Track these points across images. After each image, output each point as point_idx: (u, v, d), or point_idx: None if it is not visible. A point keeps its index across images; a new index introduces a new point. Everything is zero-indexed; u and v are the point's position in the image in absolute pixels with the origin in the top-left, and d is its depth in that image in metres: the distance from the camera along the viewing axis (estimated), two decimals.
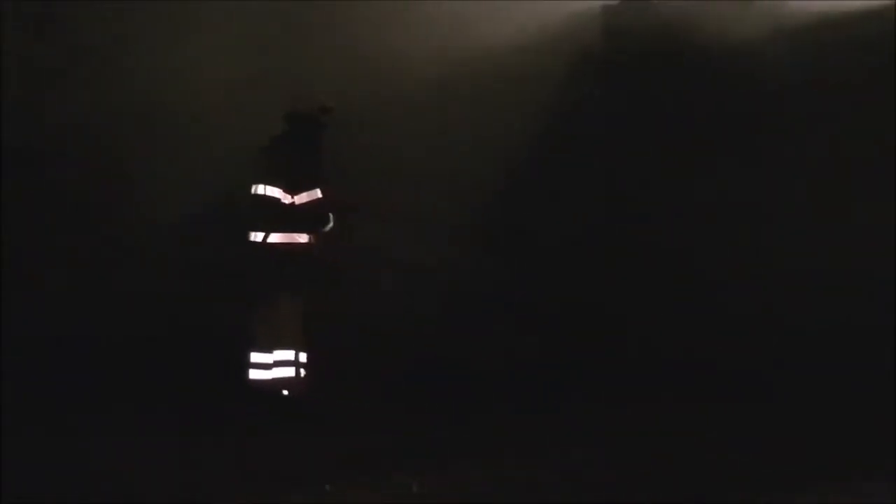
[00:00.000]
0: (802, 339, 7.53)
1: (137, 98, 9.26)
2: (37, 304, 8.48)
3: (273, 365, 6.77)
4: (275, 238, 6.71)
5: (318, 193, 6.77)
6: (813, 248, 7.77)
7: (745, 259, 8.09)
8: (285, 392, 6.81)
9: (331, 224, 6.87)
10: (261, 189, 6.72)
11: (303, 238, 6.74)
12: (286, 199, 6.68)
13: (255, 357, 6.73)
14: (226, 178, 8.19)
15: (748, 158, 8.31)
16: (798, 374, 7.33)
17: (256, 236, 6.74)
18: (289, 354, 6.75)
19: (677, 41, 8.62)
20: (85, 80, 9.13)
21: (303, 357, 6.81)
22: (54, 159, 9.07)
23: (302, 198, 6.73)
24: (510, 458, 6.02)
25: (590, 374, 7.58)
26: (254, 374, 6.75)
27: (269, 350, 6.72)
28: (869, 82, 8.00)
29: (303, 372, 6.84)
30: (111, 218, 8.99)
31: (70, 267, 8.81)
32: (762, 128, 8.44)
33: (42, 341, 8.03)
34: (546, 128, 8.98)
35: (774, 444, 6.19)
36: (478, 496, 5.44)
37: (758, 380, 7.32)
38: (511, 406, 7.08)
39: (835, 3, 8.48)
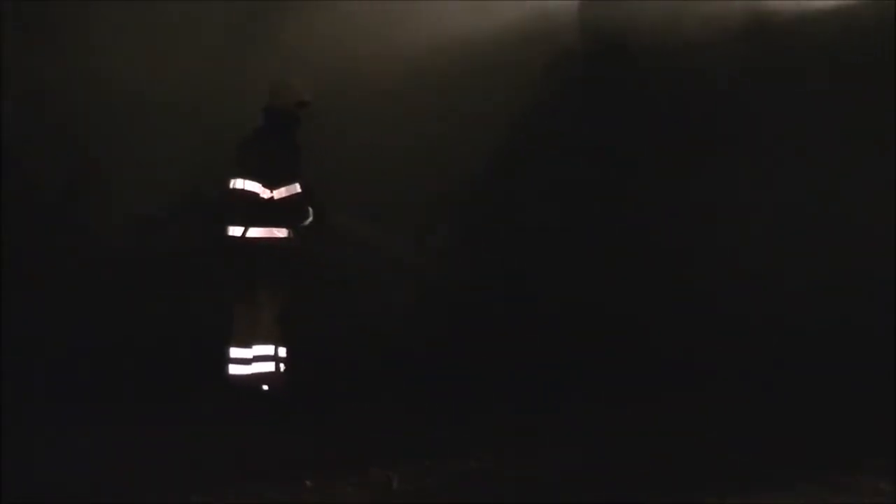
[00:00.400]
0: (801, 339, 7.55)
1: (113, 91, 9.02)
2: (30, 304, 8.34)
3: (252, 360, 6.78)
4: (254, 232, 6.71)
5: (297, 188, 6.76)
6: (812, 248, 7.79)
7: (744, 258, 8.08)
8: (265, 387, 6.80)
9: (310, 218, 6.87)
10: (239, 183, 6.72)
11: (282, 232, 6.74)
12: (265, 193, 6.68)
13: (235, 352, 6.75)
14: (202, 171, 8.21)
15: (728, 155, 8.29)
16: (797, 374, 7.35)
17: (235, 230, 6.73)
18: (268, 350, 6.75)
19: (653, 37, 8.62)
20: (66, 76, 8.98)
21: (282, 352, 6.80)
22: (40, 157, 8.98)
23: (281, 192, 6.71)
24: (507, 457, 6.03)
25: (589, 374, 7.57)
26: (233, 370, 6.75)
27: (248, 345, 6.72)
28: (859, 77, 7.99)
29: (282, 367, 6.81)
30: (86, 212, 8.95)
31: (53, 265, 8.66)
32: (743, 125, 8.44)
33: (36, 340, 7.95)
34: (523, 122, 9.01)
35: (773, 444, 6.20)
36: (475, 494, 5.44)
37: (756, 379, 7.34)
38: (509, 405, 7.07)
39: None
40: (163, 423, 6.58)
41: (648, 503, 5.26)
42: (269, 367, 6.78)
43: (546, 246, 8.78)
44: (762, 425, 6.57)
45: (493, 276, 8.73)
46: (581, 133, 8.99)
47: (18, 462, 5.56)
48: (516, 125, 9.16)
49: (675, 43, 8.62)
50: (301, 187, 6.81)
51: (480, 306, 8.53)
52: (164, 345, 7.91)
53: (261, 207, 6.69)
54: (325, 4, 9.36)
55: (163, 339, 7.97)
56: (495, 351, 7.94)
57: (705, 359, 7.50)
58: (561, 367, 7.75)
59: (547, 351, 7.92)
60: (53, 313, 8.23)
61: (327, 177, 7.63)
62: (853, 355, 7.32)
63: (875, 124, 7.94)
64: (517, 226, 8.98)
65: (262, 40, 9.32)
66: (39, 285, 8.54)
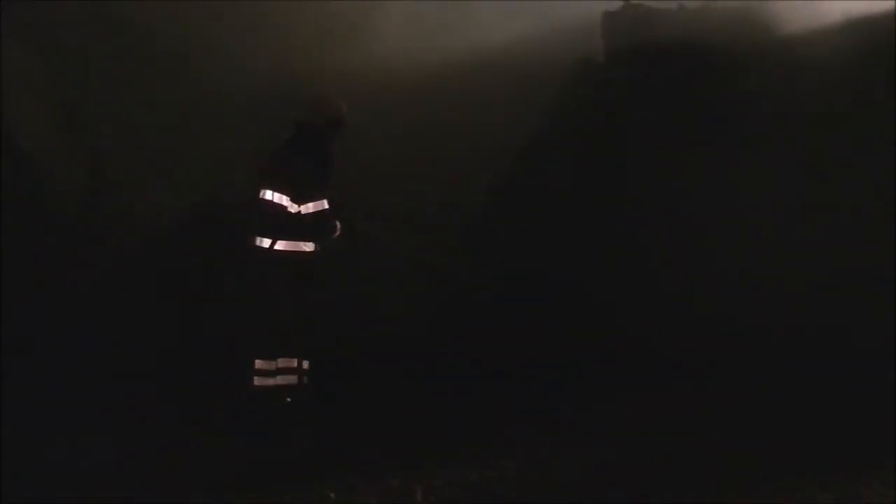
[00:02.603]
0: (797, 339, 7.54)
1: (135, 98, 9.26)
2: (37, 305, 8.33)
3: (277, 372, 6.76)
4: (281, 245, 6.66)
5: (324, 204, 6.73)
6: (809, 249, 7.78)
7: (743, 259, 8.04)
8: (288, 399, 6.79)
9: (337, 233, 6.86)
10: (269, 195, 6.67)
11: (308, 247, 6.70)
12: (293, 208, 6.64)
13: (259, 364, 6.71)
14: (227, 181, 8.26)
15: (745, 159, 8.24)
16: (794, 374, 7.32)
17: (263, 241, 6.68)
18: (292, 362, 6.74)
19: (675, 44, 8.67)
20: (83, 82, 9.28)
21: (305, 365, 6.78)
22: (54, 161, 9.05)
23: (308, 208, 6.67)
24: (509, 457, 6.10)
25: (589, 373, 7.54)
26: (258, 381, 6.71)
27: (272, 358, 6.70)
28: (864, 85, 8.03)
29: (305, 379, 6.81)
30: (111, 220, 8.96)
31: (72, 268, 8.69)
32: (759, 128, 8.42)
33: (42, 341, 7.90)
34: (549, 126, 9.06)
35: (771, 444, 6.23)
36: (478, 496, 5.60)
37: (753, 379, 7.31)
38: (510, 404, 7.09)
39: (832, 6, 8.48)
40: (185, 429, 6.63)
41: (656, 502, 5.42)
42: (292, 379, 6.75)
43: (565, 246, 8.75)
44: (759, 425, 6.58)
45: (513, 278, 8.68)
46: (597, 133, 8.98)
47: (18, 462, 5.63)
48: (535, 125, 9.25)
49: (680, 50, 8.69)
50: (329, 203, 6.76)
51: (498, 308, 8.47)
52: (181, 352, 7.91)
53: (288, 221, 6.64)
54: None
55: (182, 346, 7.96)
56: (513, 353, 7.88)
57: (708, 359, 7.48)
58: (560, 366, 7.70)
59: (561, 352, 7.87)
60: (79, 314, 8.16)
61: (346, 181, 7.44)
62: (849, 356, 7.31)
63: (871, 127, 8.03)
64: (537, 225, 8.92)
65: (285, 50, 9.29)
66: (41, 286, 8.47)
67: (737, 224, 8.13)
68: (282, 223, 6.64)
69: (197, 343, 7.95)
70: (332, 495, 5.60)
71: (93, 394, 7.07)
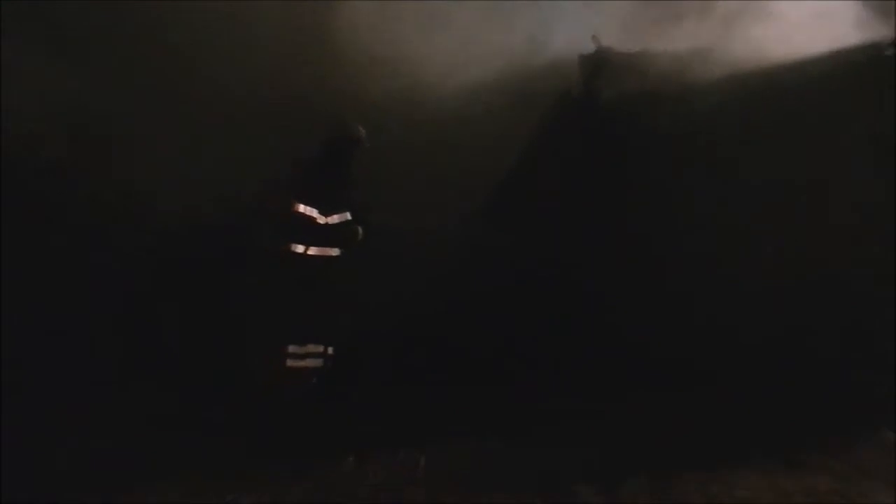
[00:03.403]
0: (774, 337, 7.55)
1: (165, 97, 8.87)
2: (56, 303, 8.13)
3: (305, 356, 7.09)
4: (312, 251, 6.99)
5: (347, 216, 7.06)
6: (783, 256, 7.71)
7: (726, 270, 7.89)
8: (314, 379, 7.05)
9: (360, 238, 7.13)
10: (301, 208, 6.94)
11: (334, 252, 7.05)
12: (321, 219, 6.96)
13: (292, 349, 7.00)
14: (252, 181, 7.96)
15: (708, 182, 8.21)
16: (766, 368, 7.38)
17: (298, 248, 6.99)
18: (319, 348, 7.09)
19: (642, 84, 8.87)
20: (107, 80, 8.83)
21: (330, 350, 7.12)
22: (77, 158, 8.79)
23: (333, 219, 7.03)
24: (509, 436, 6.47)
25: (583, 367, 7.61)
26: (290, 363, 7.01)
27: (302, 344, 7.03)
28: (818, 122, 7.93)
29: (330, 363, 7.11)
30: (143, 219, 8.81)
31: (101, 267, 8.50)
32: (715, 159, 8.33)
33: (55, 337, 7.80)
34: (537, 145, 9.34)
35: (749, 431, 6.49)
36: (475, 464, 5.99)
37: (734, 375, 7.35)
38: (507, 389, 7.32)
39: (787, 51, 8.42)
40: (219, 407, 6.83)
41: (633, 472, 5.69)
42: (318, 362, 7.10)
43: (550, 247, 8.86)
44: (734, 415, 6.78)
45: (517, 266, 8.74)
46: (577, 151, 9.16)
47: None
48: (518, 153, 9.49)
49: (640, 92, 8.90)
50: (352, 214, 7.08)
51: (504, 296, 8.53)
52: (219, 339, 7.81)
53: (317, 230, 6.98)
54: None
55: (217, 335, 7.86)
56: (520, 339, 8.09)
57: (698, 358, 7.48)
58: (556, 358, 7.82)
59: (543, 344, 8.03)
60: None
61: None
62: (821, 352, 7.35)
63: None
64: (527, 229, 9.07)
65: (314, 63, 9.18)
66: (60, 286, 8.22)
67: (712, 239, 8.03)
68: (311, 232, 6.98)
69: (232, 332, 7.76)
70: (351, 459, 6.08)
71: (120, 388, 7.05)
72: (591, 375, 7.47)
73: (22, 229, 8.43)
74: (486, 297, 8.48)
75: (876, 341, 7.30)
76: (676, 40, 9.15)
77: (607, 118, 8.97)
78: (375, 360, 7.83)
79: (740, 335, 7.47)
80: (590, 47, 9.47)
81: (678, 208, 8.20)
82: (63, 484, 5.35)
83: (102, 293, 8.27)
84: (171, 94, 8.90)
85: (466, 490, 5.62)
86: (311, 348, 7.13)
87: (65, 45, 8.96)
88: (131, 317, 8.25)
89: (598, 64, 9.40)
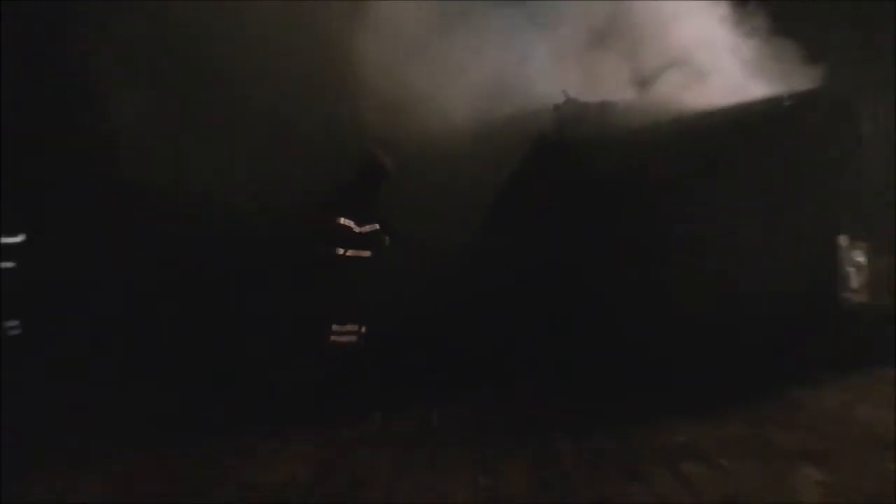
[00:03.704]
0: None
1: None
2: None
3: (345, 333, 7.10)
4: (350, 253, 7.03)
5: (377, 226, 7.14)
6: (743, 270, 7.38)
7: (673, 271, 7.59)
8: (351, 350, 6.97)
9: (385, 243, 7.17)
10: (342, 220, 7.01)
11: (366, 253, 7.12)
12: (356, 228, 7.04)
13: (335, 328, 7.04)
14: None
15: (652, 204, 7.97)
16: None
17: (339, 251, 7.00)
18: (355, 328, 7.13)
19: (601, 128, 8.64)
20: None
21: (363, 329, 7.14)
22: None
23: (365, 229, 7.11)
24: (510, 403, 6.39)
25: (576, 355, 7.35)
26: (334, 338, 7.02)
27: (343, 325, 7.07)
28: (730, 158, 7.75)
29: (363, 339, 7.11)
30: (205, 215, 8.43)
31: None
32: (656, 185, 7.97)
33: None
34: (518, 180, 9.06)
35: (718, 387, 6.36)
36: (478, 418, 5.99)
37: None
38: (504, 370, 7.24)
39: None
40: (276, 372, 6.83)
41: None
42: (354, 338, 7.09)
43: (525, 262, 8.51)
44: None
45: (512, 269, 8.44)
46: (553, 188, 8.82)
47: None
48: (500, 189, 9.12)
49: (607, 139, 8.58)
50: (380, 225, 7.13)
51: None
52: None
53: (354, 238, 7.06)
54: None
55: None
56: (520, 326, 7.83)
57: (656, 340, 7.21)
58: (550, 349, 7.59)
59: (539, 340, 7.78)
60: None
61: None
62: (780, 331, 7.18)
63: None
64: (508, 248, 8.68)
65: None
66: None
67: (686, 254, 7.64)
68: (350, 238, 7.05)
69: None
70: (378, 415, 6.17)
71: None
72: (567, 351, 7.37)
73: (97, 230, 8.18)
74: (480, 292, 8.38)
75: (774, 332, 7.24)
76: (627, 93, 9.10)
77: (575, 154, 8.81)
78: (396, 336, 7.72)
79: (691, 321, 7.30)
80: (560, 98, 9.44)
81: (632, 225, 8.07)
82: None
83: (174, 288, 8.12)
84: (232, 123, 8.63)
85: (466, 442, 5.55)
86: (349, 327, 7.14)
87: (142, 73, 8.59)
88: (209, 304, 8.07)
89: (567, 112, 9.37)
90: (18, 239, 8.18)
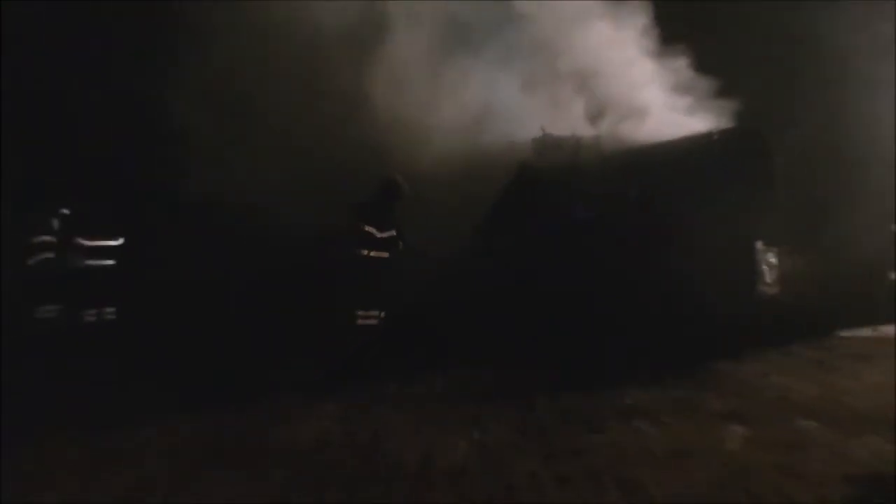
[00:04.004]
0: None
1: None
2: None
3: (368, 317, 7.06)
4: (374, 254, 7.04)
5: (393, 233, 7.16)
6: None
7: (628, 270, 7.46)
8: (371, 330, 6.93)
9: (401, 247, 7.19)
10: (368, 228, 7.05)
11: (385, 254, 7.11)
12: (378, 234, 7.06)
13: (360, 313, 7.01)
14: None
15: (615, 217, 7.91)
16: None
17: (363, 252, 6.99)
18: (375, 312, 7.08)
19: (574, 156, 8.66)
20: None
21: (382, 314, 7.10)
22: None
23: (384, 235, 7.10)
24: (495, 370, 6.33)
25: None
26: (360, 321, 6.99)
27: (367, 310, 7.04)
28: (673, 182, 7.63)
29: (382, 322, 7.06)
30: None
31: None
32: (618, 203, 8.00)
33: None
34: (504, 198, 8.91)
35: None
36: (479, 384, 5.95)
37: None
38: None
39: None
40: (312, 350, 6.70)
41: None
42: (374, 321, 7.05)
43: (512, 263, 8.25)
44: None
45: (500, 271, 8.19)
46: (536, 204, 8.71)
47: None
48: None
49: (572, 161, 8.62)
50: (396, 231, 7.13)
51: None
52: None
53: (375, 242, 7.07)
54: None
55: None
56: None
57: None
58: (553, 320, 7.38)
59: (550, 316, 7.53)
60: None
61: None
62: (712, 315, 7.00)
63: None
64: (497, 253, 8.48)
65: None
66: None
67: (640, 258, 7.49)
68: (373, 242, 7.05)
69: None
70: (393, 385, 6.02)
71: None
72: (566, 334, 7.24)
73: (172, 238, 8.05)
74: (473, 287, 8.18)
75: (707, 316, 7.13)
76: (595, 129, 9.02)
77: (551, 177, 8.81)
78: (407, 319, 7.60)
79: (644, 308, 7.27)
80: (539, 133, 9.41)
81: (595, 234, 8.03)
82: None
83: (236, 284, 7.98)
84: (286, 153, 8.56)
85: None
86: (371, 312, 7.10)
87: (213, 108, 8.46)
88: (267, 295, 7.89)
89: (543, 143, 9.31)
90: (118, 242, 8.26)
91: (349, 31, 8.78)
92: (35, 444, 4.49)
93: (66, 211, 8.11)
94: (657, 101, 8.80)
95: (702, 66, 8.63)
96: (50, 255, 8.07)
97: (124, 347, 6.96)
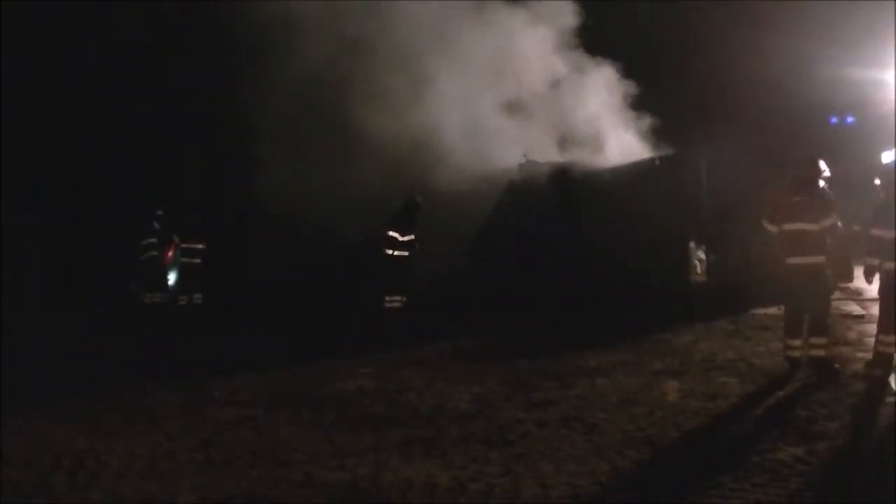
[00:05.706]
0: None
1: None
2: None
3: (393, 301, 7.34)
4: (392, 252, 7.12)
5: (413, 236, 7.21)
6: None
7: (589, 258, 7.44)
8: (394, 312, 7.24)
9: (418, 246, 7.25)
10: (391, 232, 7.27)
11: (405, 254, 7.17)
12: (400, 237, 7.15)
13: (387, 298, 7.14)
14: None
15: (584, 223, 7.88)
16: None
17: (389, 251, 7.09)
18: (400, 297, 7.20)
19: (557, 181, 8.49)
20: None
21: (404, 298, 7.20)
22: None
23: (406, 237, 7.21)
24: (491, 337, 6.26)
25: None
26: (387, 304, 7.13)
27: (392, 295, 7.14)
28: (627, 197, 7.52)
29: (405, 306, 7.21)
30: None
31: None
32: (583, 214, 7.99)
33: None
34: (494, 213, 8.80)
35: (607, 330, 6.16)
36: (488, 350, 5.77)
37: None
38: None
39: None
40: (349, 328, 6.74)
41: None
42: (398, 304, 7.15)
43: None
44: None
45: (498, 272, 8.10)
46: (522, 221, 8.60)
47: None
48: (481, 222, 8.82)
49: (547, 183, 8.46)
50: (414, 235, 7.19)
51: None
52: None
53: (398, 243, 7.27)
54: None
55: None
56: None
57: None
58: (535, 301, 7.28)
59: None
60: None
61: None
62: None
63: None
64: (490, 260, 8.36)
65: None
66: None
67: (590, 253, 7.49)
68: (396, 244, 7.29)
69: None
70: (412, 350, 5.76)
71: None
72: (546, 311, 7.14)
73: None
74: (474, 277, 8.17)
75: (651, 298, 7.03)
76: (569, 156, 9.01)
77: (535, 196, 8.61)
78: (424, 301, 7.58)
79: (604, 291, 7.18)
80: (522, 159, 9.25)
81: (570, 237, 7.94)
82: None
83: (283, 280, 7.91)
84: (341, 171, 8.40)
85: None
86: (396, 297, 7.20)
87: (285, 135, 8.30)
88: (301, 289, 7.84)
89: (527, 167, 9.12)
90: (201, 246, 8.24)
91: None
92: (148, 390, 4.66)
93: (161, 215, 8.16)
94: (614, 136, 9.05)
95: (649, 109, 9.03)
96: (155, 253, 8.18)
97: (212, 327, 7.09)
